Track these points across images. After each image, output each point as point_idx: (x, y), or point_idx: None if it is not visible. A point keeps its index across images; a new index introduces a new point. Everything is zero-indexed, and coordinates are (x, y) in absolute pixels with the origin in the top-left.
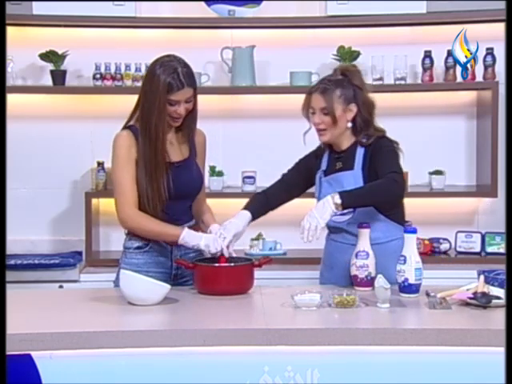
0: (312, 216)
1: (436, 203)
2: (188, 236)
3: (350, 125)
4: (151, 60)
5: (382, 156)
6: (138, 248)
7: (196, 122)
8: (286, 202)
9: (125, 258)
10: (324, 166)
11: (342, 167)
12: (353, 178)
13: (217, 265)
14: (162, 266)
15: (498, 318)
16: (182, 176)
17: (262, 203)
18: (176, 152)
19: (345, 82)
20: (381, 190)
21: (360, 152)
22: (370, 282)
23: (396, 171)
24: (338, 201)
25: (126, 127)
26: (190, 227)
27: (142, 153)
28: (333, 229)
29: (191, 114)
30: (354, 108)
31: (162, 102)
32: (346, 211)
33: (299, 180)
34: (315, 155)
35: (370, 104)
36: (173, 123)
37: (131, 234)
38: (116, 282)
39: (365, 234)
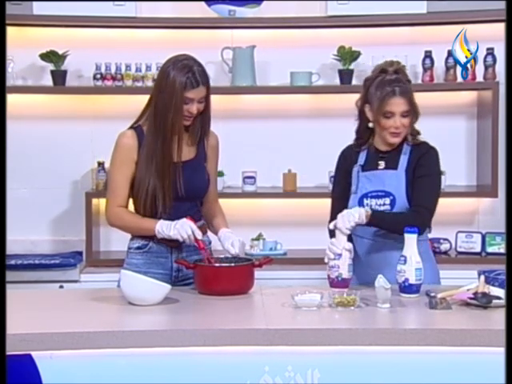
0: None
1: None
2: (161, 227)
3: None
4: (152, 60)
5: (425, 178)
6: (138, 248)
7: (209, 124)
8: None
9: (126, 258)
10: (362, 160)
11: (385, 167)
12: (395, 178)
13: (217, 265)
14: (162, 267)
15: (498, 318)
16: (185, 176)
17: None
18: (183, 152)
19: (404, 79)
20: (406, 226)
21: (406, 153)
22: (341, 282)
23: (429, 208)
24: (369, 211)
25: (132, 127)
26: (198, 227)
27: (152, 151)
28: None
29: (204, 116)
30: None
31: (179, 100)
32: (382, 208)
33: (347, 189)
34: (352, 151)
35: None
36: (184, 122)
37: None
38: (119, 283)
39: (341, 234)
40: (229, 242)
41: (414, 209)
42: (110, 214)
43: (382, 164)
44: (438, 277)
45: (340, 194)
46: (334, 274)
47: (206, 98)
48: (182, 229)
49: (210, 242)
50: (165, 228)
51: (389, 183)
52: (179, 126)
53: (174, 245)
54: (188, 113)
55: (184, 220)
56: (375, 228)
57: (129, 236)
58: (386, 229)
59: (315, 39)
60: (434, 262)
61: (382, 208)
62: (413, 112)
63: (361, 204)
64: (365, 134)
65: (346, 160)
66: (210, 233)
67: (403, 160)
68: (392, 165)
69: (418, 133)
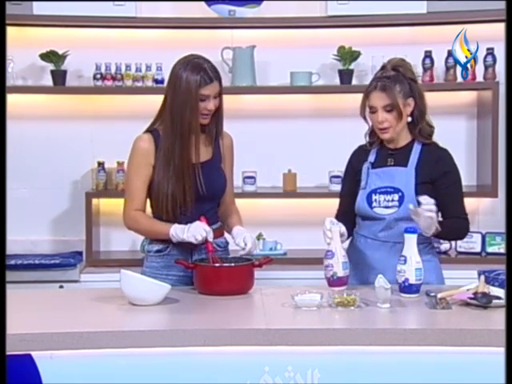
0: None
1: None
2: (174, 230)
3: (409, 119)
4: (152, 60)
5: (454, 187)
6: (157, 251)
7: (222, 124)
8: None
9: (146, 261)
10: (372, 158)
11: (394, 164)
12: (405, 175)
13: (217, 265)
14: (183, 268)
15: (498, 318)
16: (204, 177)
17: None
18: (200, 152)
19: (400, 76)
20: (459, 234)
21: (416, 151)
22: (337, 281)
23: (467, 216)
24: (440, 229)
25: (148, 130)
26: (215, 230)
27: (170, 153)
28: (368, 218)
29: (217, 116)
30: (411, 102)
31: (194, 98)
32: (390, 205)
33: (356, 187)
34: (362, 150)
35: (422, 95)
36: (202, 120)
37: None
38: None
39: (335, 233)
40: (241, 237)
41: (455, 214)
42: (126, 218)
43: (390, 161)
44: (442, 276)
45: (347, 192)
46: (329, 274)
47: (219, 94)
48: (195, 231)
49: (227, 243)
50: (179, 232)
51: (398, 180)
52: (196, 124)
53: (191, 246)
54: (206, 110)
55: (197, 223)
56: (379, 228)
57: (129, 237)
58: (441, 235)
59: (315, 39)
60: (438, 262)
61: (390, 204)
62: (397, 108)
63: (369, 199)
64: (375, 135)
65: (356, 160)
66: (226, 234)
67: (413, 158)
68: (401, 162)
69: (430, 135)
